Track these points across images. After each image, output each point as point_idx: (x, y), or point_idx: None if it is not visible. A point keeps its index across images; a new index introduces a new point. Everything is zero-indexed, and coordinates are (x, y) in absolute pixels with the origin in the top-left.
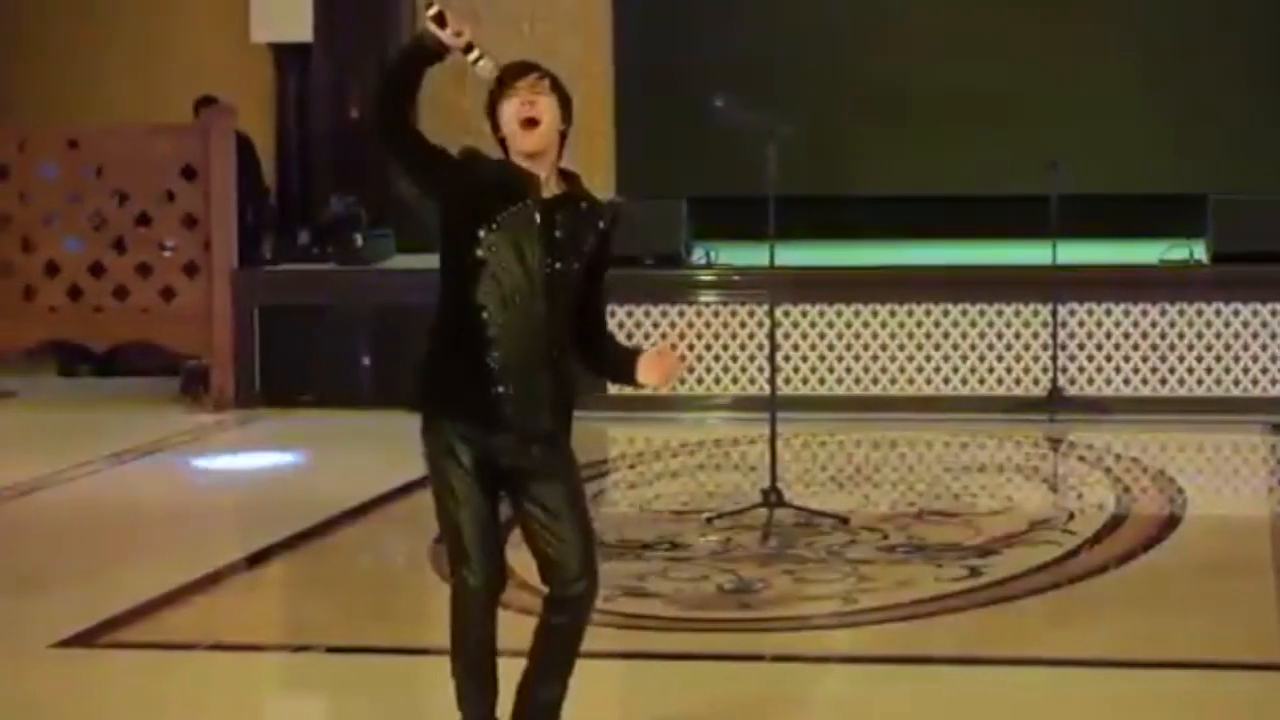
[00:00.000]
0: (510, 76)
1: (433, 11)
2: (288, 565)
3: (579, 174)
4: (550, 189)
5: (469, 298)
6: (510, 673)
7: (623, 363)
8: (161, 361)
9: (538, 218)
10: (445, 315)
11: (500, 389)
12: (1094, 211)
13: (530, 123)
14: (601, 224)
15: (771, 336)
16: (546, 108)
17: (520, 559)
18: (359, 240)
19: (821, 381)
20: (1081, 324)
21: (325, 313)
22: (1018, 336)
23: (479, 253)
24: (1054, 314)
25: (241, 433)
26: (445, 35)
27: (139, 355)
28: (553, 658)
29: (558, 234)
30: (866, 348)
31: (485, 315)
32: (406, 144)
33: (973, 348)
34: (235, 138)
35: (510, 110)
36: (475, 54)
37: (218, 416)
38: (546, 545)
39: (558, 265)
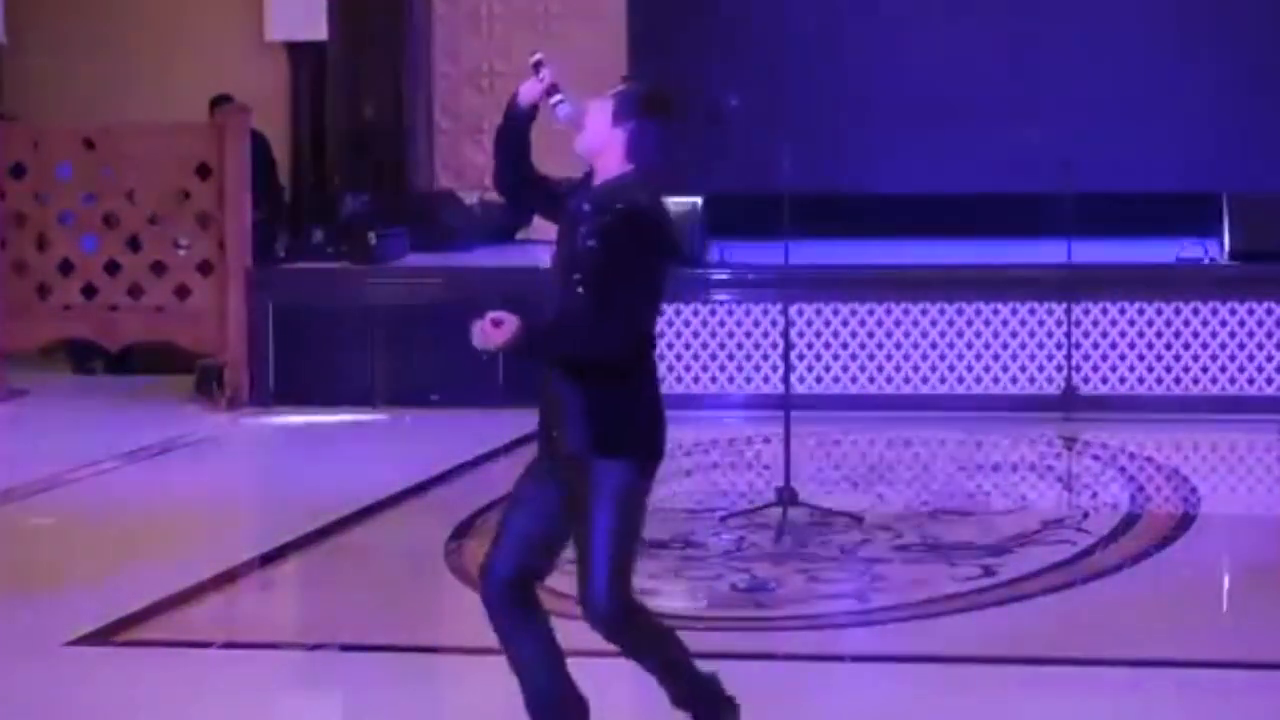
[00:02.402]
0: None
1: (535, 58)
2: (302, 563)
3: (635, 182)
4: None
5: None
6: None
7: None
8: (175, 360)
9: (567, 232)
10: None
11: (543, 409)
12: (1109, 210)
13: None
14: (603, 221)
15: (786, 335)
16: (593, 112)
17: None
18: (373, 239)
19: (836, 380)
20: (1096, 323)
21: (339, 311)
22: (1032, 335)
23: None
24: (1068, 313)
25: (255, 431)
26: (532, 82)
27: (153, 354)
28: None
29: (576, 246)
30: (881, 346)
31: None
32: (531, 202)
33: (987, 346)
34: (250, 136)
35: None
36: (557, 97)
37: (232, 415)
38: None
39: (575, 276)
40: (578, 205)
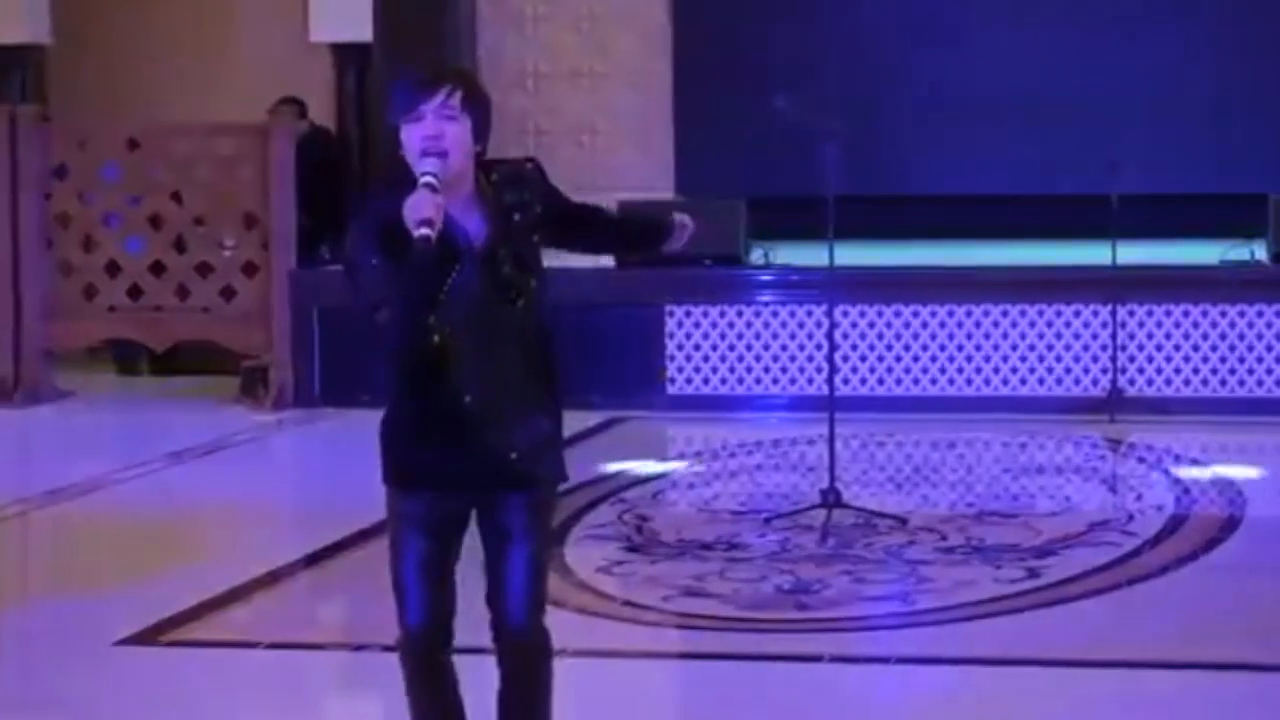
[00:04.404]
0: (412, 97)
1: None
2: (346, 564)
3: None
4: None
5: None
6: None
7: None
8: (221, 361)
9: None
10: None
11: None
12: (1154, 211)
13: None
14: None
15: (830, 337)
16: (456, 136)
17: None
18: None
19: (880, 382)
20: (1141, 324)
21: None
22: (1077, 337)
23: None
24: (1114, 314)
25: (300, 432)
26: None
27: (198, 354)
28: None
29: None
30: (925, 348)
31: None
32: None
33: (1032, 348)
34: (319, 134)
35: (414, 137)
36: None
37: (277, 416)
38: None
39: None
40: (495, 210)
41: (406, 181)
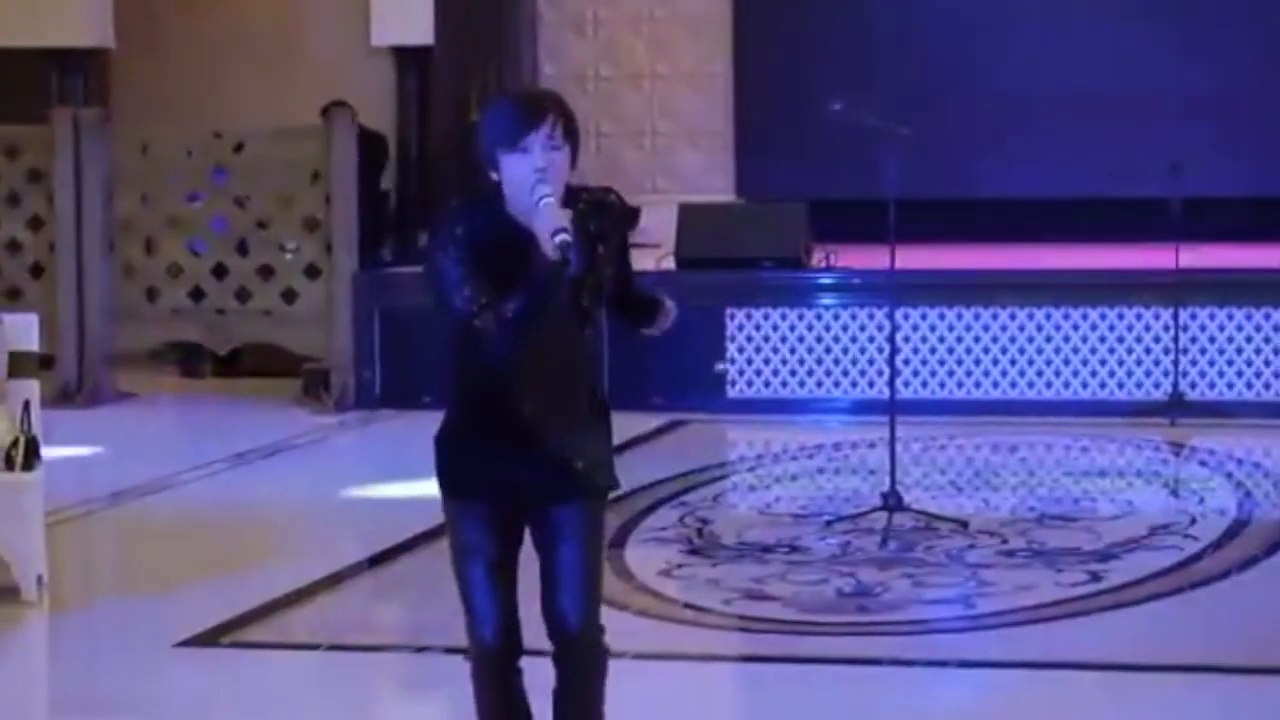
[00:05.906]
0: (517, 127)
1: (561, 237)
2: (409, 566)
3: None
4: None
5: None
6: None
7: None
8: (282, 363)
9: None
10: None
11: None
12: (1217, 214)
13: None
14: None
15: (891, 340)
16: (557, 171)
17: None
18: None
19: (941, 385)
20: (1204, 328)
21: None
22: (1139, 340)
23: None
24: (1176, 317)
25: (362, 434)
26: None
27: (260, 357)
28: None
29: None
30: (986, 351)
31: None
32: None
33: (1094, 351)
34: (370, 137)
35: (521, 170)
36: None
37: (339, 418)
38: None
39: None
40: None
41: (488, 198)
